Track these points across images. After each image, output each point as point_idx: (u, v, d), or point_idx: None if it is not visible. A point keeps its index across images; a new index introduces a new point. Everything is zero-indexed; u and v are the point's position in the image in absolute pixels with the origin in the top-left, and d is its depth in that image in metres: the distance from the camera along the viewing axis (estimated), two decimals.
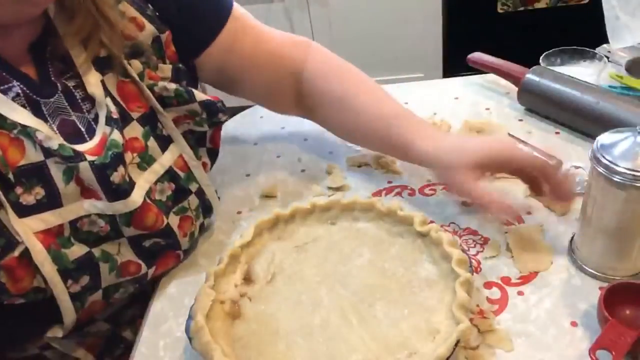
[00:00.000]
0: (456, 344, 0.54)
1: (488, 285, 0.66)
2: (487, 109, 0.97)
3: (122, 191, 0.61)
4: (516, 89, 0.93)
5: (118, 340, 0.75)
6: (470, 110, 0.97)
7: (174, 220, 0.68)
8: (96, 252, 0.62)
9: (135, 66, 0.67)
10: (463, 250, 0.64)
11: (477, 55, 1.01)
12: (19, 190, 0.57)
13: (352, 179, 0.85)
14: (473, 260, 0.69)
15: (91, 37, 0.63)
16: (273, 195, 0.84)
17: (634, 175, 0.56)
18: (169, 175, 0.68)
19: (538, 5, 2.05)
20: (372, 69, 2.53)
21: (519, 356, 0.58)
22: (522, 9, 2.07)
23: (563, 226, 0.72)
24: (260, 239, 0.70)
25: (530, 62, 0.94)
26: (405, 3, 2.16)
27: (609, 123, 0.75)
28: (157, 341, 0.65)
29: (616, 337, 0.54)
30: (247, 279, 0.67)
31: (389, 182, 0.83)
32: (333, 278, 0.65)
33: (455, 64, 2.23)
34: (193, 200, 0.71)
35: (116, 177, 0.60)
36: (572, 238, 0.69)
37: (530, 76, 0.91)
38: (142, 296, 0.74)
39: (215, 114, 0.72)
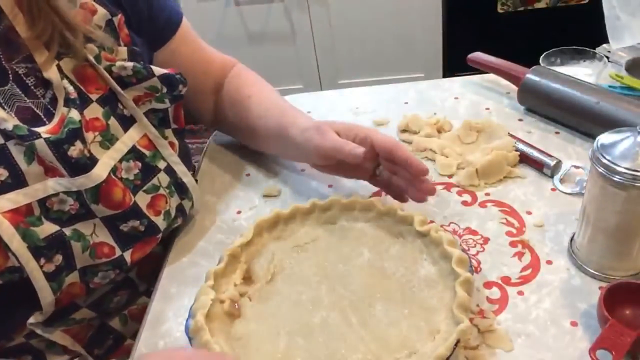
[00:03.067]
0: (456, 344, 0.54)
1: (488, 285, 0.66)
2: (487, 109, 0.97)
3: (82, 165, 0.62)
4: (516, 88, 0.93)
5: (107, 331, 0.75)
6: (470, 110, 0.97)
7: (143, 199, 0.69)
8: (67, 231, 0.63)
9: (90, 49, 0.67)
10: (463, 250, 0.64)
11: (477, 55, 1.01)
12: None
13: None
14: (473, 260, 0.69)
15: (52, 40, 0.65)
16: (273, 195, 0.84)
17: (634, 175, 0.56)
18: (134, 154, 0.69)
19: (538, 5, 2.05)
20: (372, 69, 2.55)
21: (519, 356, 0.58)
22: (522, 9, 2.06)
23: (563, 226, 0.72)
24: (260, 239, 0.70)
25: (530, 62, 0.94)
26: (405, 3, 2.15)
27: (609, 123, 0.75)
28: (157, 341, 0.65)
29: (616, 337, 0.54)
30: (247, 279, 0.67)
31: None
32: (333, 278, 0.65)
33: (455, 64, 2.23)
34: (163, 178, 0.72)
35: (73, 151, 0.61)
36: (572, 238, 0.69)
37: (530, 76, 0.91)
38: (126, 284, 0.74)
39: (175, 86, 0.72)
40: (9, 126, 0.59)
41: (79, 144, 0.62)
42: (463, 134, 0.89)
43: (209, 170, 0.91)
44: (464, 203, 0.78)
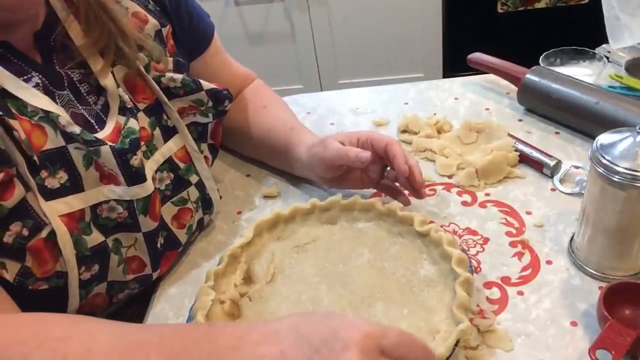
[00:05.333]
0: (456, 344, 0.54)
1: (488, 285, 0.66)
2: (487, 109, 0.97)
3: (140, 175, 0.63)
4: (516, 89, 0.93)
5: None
6: (470, 110, 0.97)
7: (170, 211, 0.70)
8: (110, 242, 0.63)
9: (141, 59, 0.68)
10: (463, 250, 0.64)
11: (477, 55, 1.01)
12: (44, 174, 0.58)
13: None
14: (473, 260, 0.69)
15: (108, 48, 0.65)
16: (273, 195, 0.84)
17: (633, 175, 0.56)
18: (169, 165, 0.69)
19: (538, 5, 2.05)
20: (372, 69, 2.54)
21: (519, 356, 0.58)
22: (522, 9, 2.06)
23: (563, 226, 0.72)
24: (260, 239, 0.70)
25: (530, 62, 0.94)
26: (405, 3, 2.15)
27: (608, 123, 0.75)
28: None
29: (616, 336, 0.54)
30: (247, 279, 0.67)
31: None
32: (333, 278, 0.65)
33: (455, 64, 2.22)
34: (193, 192, 0.72)
35: (135, 161, 0.62)
36: (572, 238, 0.69)
37: (530, 76, 0.91)
38: (141, 296, 0.74)
39: (221, 101, 0.74)
40: (76, 130, 0.59)
41: (139, 154, 0.63)
42: (463, 134, 0.89)
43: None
44: (464, 203, 0.78)
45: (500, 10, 2.08)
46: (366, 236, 0.70)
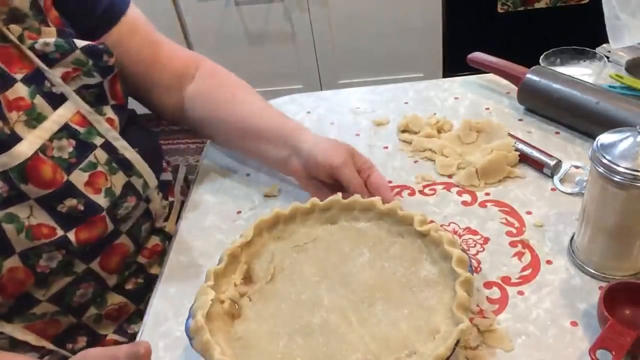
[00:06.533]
0: (456, 344, 0.54)
1: (488, 285, 0.66)
2: (487, 108, 0.97)
3: (2, 143, 0.62)
4: (516, 88, 0.93)
5: (79, 327, 0.74)
6: (470, 110, 0.97)
7: (80, 178, 0.68)
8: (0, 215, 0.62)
9: (13, 30, 0.66)
10: (463, 250, 0.64)
11: (477, 55, 1.01)
12: None
13: None
14: (473, 260, 0.69)
15: None
16: (273, 195, 0.84)
17: (634, 175, 0.56)
18: (67, 132, 0.68)
19: (538, 5, 2.05)
20: (372, 69, 2.54)
21: (519, 356, 0.58)
22: (522, 9, 2.06)
23: (563, 226, 0.72)
24: (260, 239, 0.70)
25: (530, 62, 0.94)
26: (405, 3, 2.16)
27: (609, 123, 0.75)
28: (157, 341, 0.65)
29: (616, 337, 0.54)
30: (247, 279, 0.67)
31: (389, 182, 0.83)
32: (333, 278, 0.65)
33: (455, 64, 2.23)
34: (100, 154, 0.70)
35: None
36: (572, 238, 0.69)
37: (530, 76, 0.91)
38: (90, 276, 0.73)
39: (99, 57, 0.71)
40: None
41: None
42: (463, 134, 0.89)
43: (209, 170, 0.91)
44: (464, 203, 0.78)
45: (500, 10, 2.08)
46: (366, 236, 0.70)
